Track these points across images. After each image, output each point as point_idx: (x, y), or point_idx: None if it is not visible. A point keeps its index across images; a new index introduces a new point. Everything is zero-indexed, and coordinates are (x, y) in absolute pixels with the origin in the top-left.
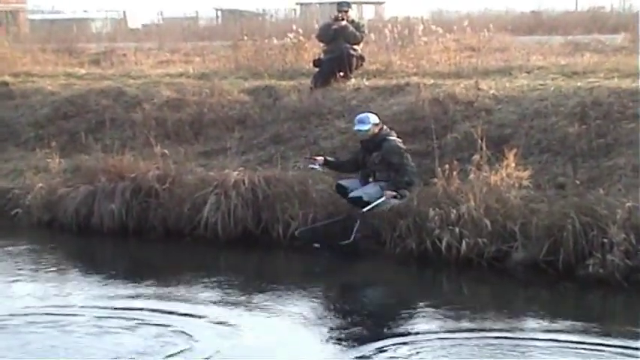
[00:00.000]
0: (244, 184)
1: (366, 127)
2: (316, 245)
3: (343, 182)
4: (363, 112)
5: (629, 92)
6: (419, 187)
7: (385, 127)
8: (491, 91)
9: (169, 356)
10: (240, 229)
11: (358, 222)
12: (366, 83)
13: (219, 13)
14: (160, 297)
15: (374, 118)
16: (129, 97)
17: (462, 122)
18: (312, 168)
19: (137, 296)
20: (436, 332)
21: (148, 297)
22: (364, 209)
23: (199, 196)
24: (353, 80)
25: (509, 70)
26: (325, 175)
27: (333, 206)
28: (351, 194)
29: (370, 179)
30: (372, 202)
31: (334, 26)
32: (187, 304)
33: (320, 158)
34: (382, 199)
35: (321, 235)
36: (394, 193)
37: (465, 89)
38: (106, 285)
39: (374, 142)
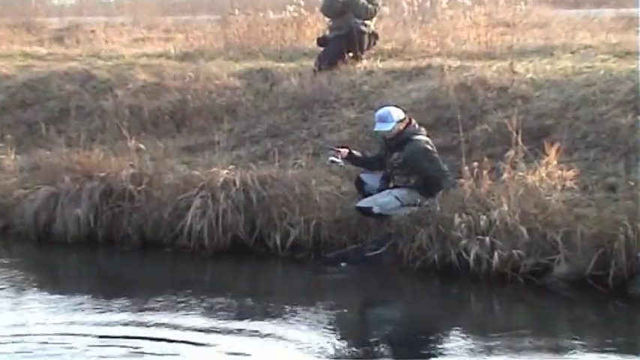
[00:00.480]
0: (235, 184)
1: (388, 127)
2: (343, 264)
3: (364, 177)
4: (383, 105)
5: None
6: (449, 188)
7: (414, 122)
8: (529, 75)
9: None
10: (230, 238)
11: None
12: (380, 65)
13: None
14: (134, 321)
15: (398, 114)
16: (98, 81)
17: (494, 112)
18: (333, 162)
19: (107, 320)
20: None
21: (121, 321)
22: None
23: (182, 200)
24: (364, 62)
25: (550, 49)
26: (332, 174)
27: (341, 211)
28: (360, 203)
29: (391, 183)
30: (383, 216)
31: None
32: (167, 329)
33: (344, 150)
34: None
35: (349, 255)
36: (415, 208)
37: (498, 72)
38: (70, 306)
39: (396, 141)
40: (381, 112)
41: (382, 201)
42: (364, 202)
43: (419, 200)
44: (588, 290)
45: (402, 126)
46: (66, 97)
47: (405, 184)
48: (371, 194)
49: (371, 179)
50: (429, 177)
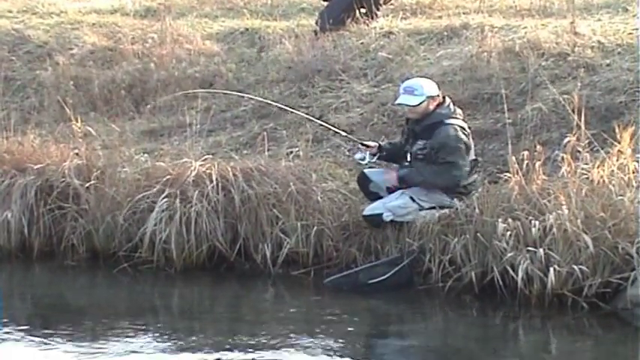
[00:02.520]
0: (212, 180)
1: (415, 101)
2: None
3: (370, 173)
4: (408, 77)
5: None
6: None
7: (448, 101)
8: (595, 37)
9: None
10: (205, 250)
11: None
12: (402, 25)
13: None
14: (79, 355)
15: (430, 88)
16: (33, 45)
17: (550, 86)
18: (360, 161)
19: (44, 356)
20: None
21: (60, 356)
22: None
23: (142, 200)
24: (381, 20)
25: (623, 3)
26: (338, 166)
27: (349, 215)
28: (366, 210)
29: None
30: (396, 224)
31: None
32: None
33: (374, 145)
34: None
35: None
36: (396, 184)
37: (555, 34)
38: None
39: (423, 125)
40: (409, 82)
41: (394, 204)
42: (371, 209)
43: (446, 202)
44: None
45: (432, 104)
46: None
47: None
48: (379, 196)
49: (379, 176)
50: (439, 165)
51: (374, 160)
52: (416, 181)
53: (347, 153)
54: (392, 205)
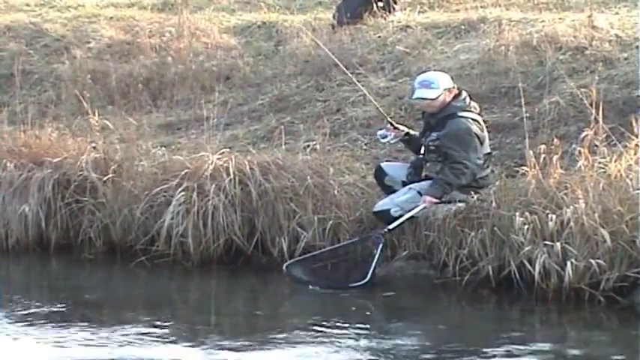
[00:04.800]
0: (229, 174)
1: (434, 94)
2: (312, 287)
3: (386, 166)
4: (424, 71)
5: None
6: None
7: (464, 94)
8: (613, 31)
9: None
10: (222, 243)
11: (380, 248)
12: (419, 19)
13: None
14: (98, 352)
15: (445, 80)
16: (51, 38)
17: (567, 79)
18: (382, 139)
19: (62, 352)
20: None
21: (80, 353)
22: (390, 227)
23: (159, 193)
24: (398, 14)
25: None
26: (355, 160)
27: (366, 209)
28: (377, 207)
29: (424, 172)
30: (405, 216)
31: None
32: None
33: (403, 129)
34: (417, 209)
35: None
36: (435, 200)
37: (573, 28)
38: (14, 333)
39: (438, 118)
40: (424, 76)
41: (401, 199)
42: (380, 205)
43: (458, 197)
44: None
45: (449, 97)
46: (8, 60)
47: (437, 175)
48: (394, 189)
49: (395, 170)
50: (451, 163)
51: (394, 142)
52: (440, 191)
53: (364, 147)
54: (399, 201)
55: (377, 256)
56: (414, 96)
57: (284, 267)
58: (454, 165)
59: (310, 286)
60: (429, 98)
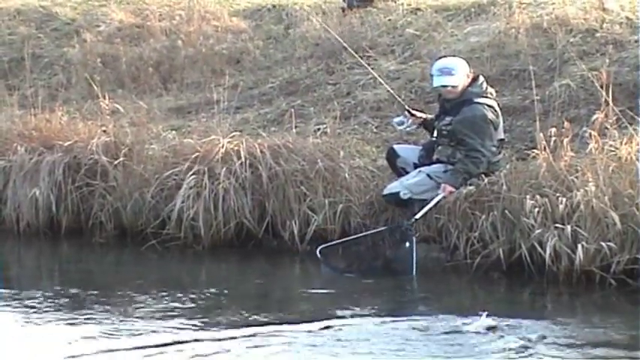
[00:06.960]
0: (239, 157)
1: (456, 81)
2: (348, 274)
3: (399, 148)
4: (440, 56)
5: None
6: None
7: (482, 79)
8: (624, 13)
9: None
10: (233, 227)
11: (414, 240)
12: (429, 1)
13: None
14: (109, 334)
15: (464, 66)
16: (61, 22)
17: (578, 62)
18: (398, 125)
19: (74, 334)
20: None
21: (91, 334)
22: (417, 217)
23: (170, 177)
24: None
25: None
26: (366, 143)
27: (376, 192)
28: (386, 190)
29: (435, 155)
30: (415, 202)
31: None
32: (152, 341)
33: (420, 115)
34: (437, 198)
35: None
36: (454, 190)
37: (583, 10)
38: (25, 317)
39: (454, 102)
40: (443, 62)
41: (410, 182)
42: (389, 188)
43: (468, 181)
44: None
45: (467, 81)
46: (19, 43)
47: (449, 159)
48: (406, 171)
49: (407, 152)
50: (468, 151)
51: (410, 129)
52: (461, 180)
53: (374, 130)
54: (409, 183)
55: (414, 249)
56: (437, 84)
57: (317, 251)
58: (471, 153)
59: (346, 274)
60: (452, 85)
